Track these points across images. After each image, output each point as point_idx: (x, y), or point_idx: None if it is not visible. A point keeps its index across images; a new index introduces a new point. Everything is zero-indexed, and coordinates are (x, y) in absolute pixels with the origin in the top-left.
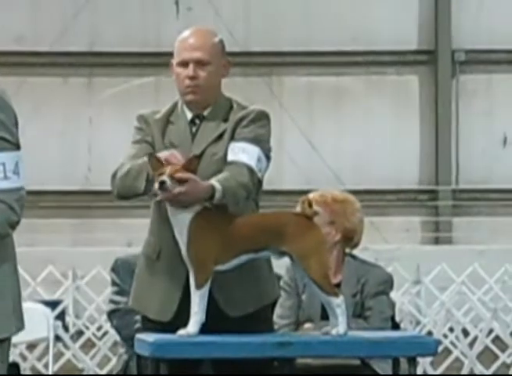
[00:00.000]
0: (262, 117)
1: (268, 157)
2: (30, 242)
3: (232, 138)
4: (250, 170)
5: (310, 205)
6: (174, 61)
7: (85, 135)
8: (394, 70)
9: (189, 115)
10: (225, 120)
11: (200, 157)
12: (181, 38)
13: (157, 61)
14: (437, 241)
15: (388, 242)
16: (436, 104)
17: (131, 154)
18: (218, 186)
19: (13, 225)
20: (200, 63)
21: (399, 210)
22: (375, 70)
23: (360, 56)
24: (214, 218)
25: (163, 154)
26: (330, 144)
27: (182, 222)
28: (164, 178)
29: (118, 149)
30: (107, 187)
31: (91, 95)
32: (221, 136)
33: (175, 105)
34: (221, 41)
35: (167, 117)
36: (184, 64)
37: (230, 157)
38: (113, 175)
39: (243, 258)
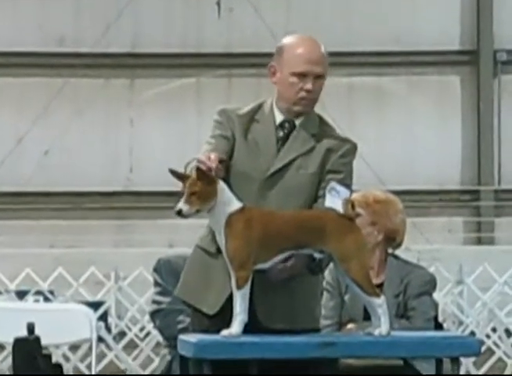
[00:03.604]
0: (355, 151)
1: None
2: (72, 243)
3: (323, 163)
4: None
5: (353, 207)
6: (288, 70)
7: (127, 136)
8: (436, 71)
9: (279, 118)
10: (314, 135)
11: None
12: (296, 48)
13: (198, 62)
14: (479, 241)
15: (430, 242)
16: (478, 104)
17: (205, 150)
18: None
19: None
20: (317, 77)
21: (441, 210)
22: (416, 71)
23: (402, 57)
24: (251, 217)
25: (200, 157)
26: (372, 145)
27: (218, 223)
28: (180, 206)
29: (159, 150)
30: (149, 188)
31: (133, 96)
32: (310, 151)
33: (261, 104)
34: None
35: (253, 114)
36: (302, 76)
37: (327, 203)
38: (185, 168)
39: (284, 255)
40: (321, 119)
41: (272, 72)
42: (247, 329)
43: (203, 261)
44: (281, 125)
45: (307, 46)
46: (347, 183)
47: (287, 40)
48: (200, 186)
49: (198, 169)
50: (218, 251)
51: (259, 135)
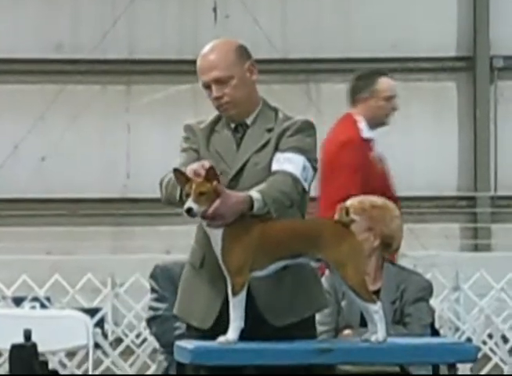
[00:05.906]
0: (308, 127)
1: (314, 167)
2: (68, 250)
3: (276, 148)
4: (294, 179)
5: (347, 213)
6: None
7: (124, 143)
8: (433, 77)
9: (233, 124)
10: (269, 130)
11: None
12: (198, 58)
13: (194, 68)
14: (476, 248)
15: (427, 249)
16: (474, 111)
17: (179, 163)
18: (256, 195)
19: None
20: (220, 82)
21: (438, 217)
22: (413, 77)
23: (398, 63)
24: (248, 225)
25: (192, 166)
26: None
27: (215, 230)
28: (190, 204)
29: (157, 156)
30: (146, 194)
31: (130, 103)
32: (264, 146)
33: (221, 115)
34: (238, 48)
35: (213, 126)
36: (207, 86)
37: (274, 167)
38: (160, 183)
39: (280, 263)
40: (277, 112)
41: None
42: (256, 333)
43: (191, 275)
44: (236, 129)
45: (200, 57)
46: (300, 150)
47: None
48: (208, 187)
49: (210, 168)
50: (202, 264)
51: (219, 144)
